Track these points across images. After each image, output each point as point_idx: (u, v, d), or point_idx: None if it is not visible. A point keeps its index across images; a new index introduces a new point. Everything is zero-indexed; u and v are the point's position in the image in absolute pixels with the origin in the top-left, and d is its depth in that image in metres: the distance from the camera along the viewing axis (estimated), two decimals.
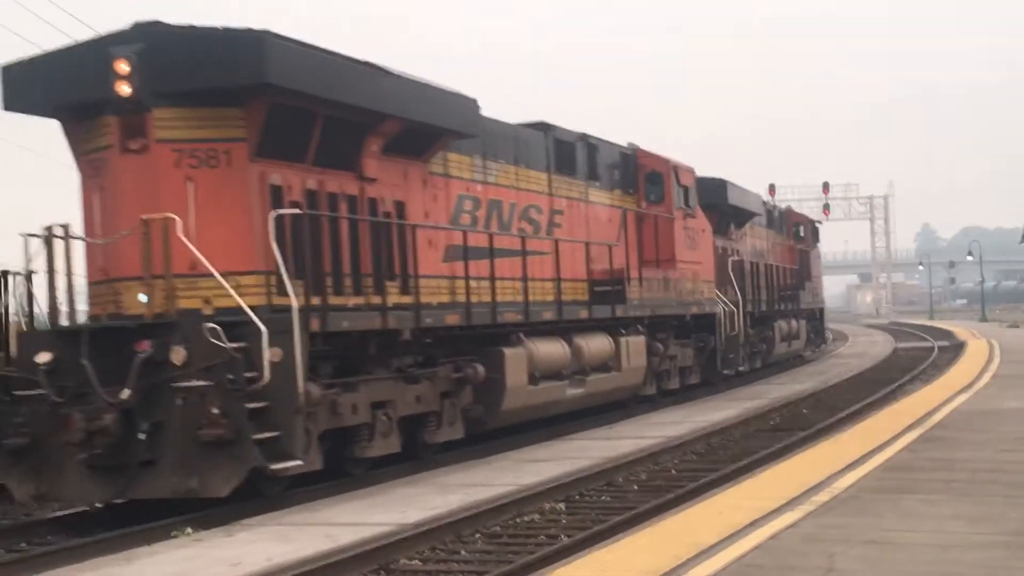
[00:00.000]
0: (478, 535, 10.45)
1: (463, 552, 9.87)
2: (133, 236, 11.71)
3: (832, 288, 48.59)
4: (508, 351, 16.03)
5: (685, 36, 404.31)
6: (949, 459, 11.82)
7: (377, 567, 9.16)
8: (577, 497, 12.36)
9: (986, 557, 7.38)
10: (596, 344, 18.92)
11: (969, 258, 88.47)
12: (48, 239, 12.11)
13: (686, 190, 23.47)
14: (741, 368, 27.63)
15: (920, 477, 10.76)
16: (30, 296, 14.43)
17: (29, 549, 10.84)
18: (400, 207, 14.52)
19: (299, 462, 11.68)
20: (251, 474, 11.40)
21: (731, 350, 26.44)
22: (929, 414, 16.06)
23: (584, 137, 20.17)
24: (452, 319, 14.90)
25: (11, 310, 13.60)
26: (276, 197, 12.40)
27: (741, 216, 29.62)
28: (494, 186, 17.01)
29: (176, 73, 11.86)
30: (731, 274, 27.24)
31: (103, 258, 12.25)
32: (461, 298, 15.34)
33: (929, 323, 68.83)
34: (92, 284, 12.58)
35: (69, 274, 12.22)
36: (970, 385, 21.00)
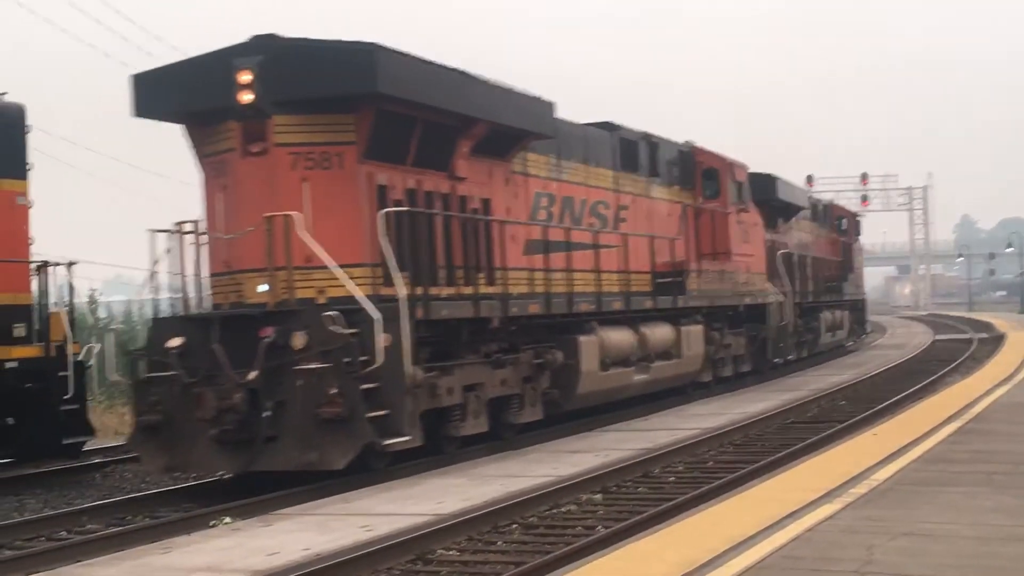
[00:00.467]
0: (515, 525, 10.43)
1: (500, 543, 9.86)
2: (255, 231, 12.84)
3: (870, 280, 49.11)
4: (583, 338, 17.11)
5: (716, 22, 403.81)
6: (989, 451, 11.77)
7: (414, 557, 9.19)
8: (614, 488, 12.32)
9: None
10: (660, 332, 19.98)
11: (1009, 249, 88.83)
12: (179, 234, 13.25)
13: (740, 186, 24.48)
14: (790, 357, 28.65)
15: (960, 469, 10.69)
16: (71, 287, 15.70)
17: (70, 537, 11.25)
18: (486, 204, 15.61)
19: (407, 438, 12.81)
20: (363, 449, 12.52)
21: (781, 339, 27.45)
22: (969, 406, 16.15)
23: (646, 136, 21.21)
24: (534, 308, 16.00)
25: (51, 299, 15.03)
26: (381, 196, 13.52)
27: (789, 210, 30.62)
28: (567, 183, 18.08)
29: (293, 82, 12.97)
30: (780, 266, 28.22)
31: (226, 251, 13.38)
32: (539, 289, 16.43)
33: (968, 315, 68.91)
34: (214, 275, 13.71)
35: (197, 266, 13.38)
36: (1010, 377, 21.11)
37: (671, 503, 10.88)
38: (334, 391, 12.30)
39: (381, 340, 12.34)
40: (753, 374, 25.92)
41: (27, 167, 15.41)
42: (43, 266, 15.55)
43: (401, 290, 12.78)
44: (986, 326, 49.47)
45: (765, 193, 27.62)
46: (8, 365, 14.57)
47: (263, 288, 12.97)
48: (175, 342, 12.86)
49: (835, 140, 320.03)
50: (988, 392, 18.39)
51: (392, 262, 12.94)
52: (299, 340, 12.46)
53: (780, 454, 13.90)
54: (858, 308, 42.21)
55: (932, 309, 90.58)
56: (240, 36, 13.45)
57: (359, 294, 12.52)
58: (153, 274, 13.92)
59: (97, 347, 16.54)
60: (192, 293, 13.55)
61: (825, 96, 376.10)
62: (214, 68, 13.20)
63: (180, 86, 13.49)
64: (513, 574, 8.55)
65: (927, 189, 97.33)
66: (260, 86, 12.92)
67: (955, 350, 36.18)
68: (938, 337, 45.59)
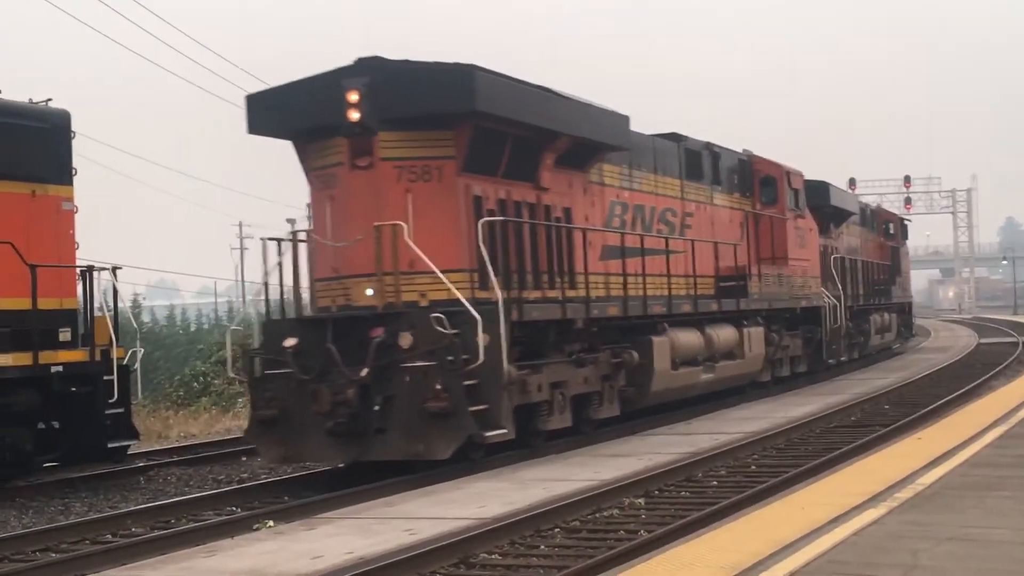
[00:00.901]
0: (557, 529, 10.45)
1: (542, 547, 9.86)
2: (364, 239, 13.88)
3: (914, 283, 49.50)
4: (656, 339, 18.08)
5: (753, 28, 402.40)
6: None
7: (457, 561, 9.19)
8: (656, 492, 12.31)
9: None
10: (724, 334, 20.91)
11: None
12: (293, 242, 14.32)
13: (796, 193, 25.38)
14: (843, 358, 29.51)
15: (1006, 474, 10.61)
16: (115, 291, 15.98)
17: (115, 540, 11.38)
18: (567, 212, 16.60)
19: (505, 430, 13.83)
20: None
21: (834, 341, 28.32)
22: (1014, 410, 16.15)
23: (709, 146, 22.15)
24: (612, 310, 17.00)
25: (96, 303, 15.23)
26: (477, 206, 14.54)
27: (840, 216, 31.48)
28: (638, 192, 19.05)
29: (398, 101, 14.01)
30: (833, 270, 29.06)
31: (334, 258, 14.43)
32: (614, 292, 17.41)
33: (1013, 318, 69.00)
34: (320, 280, 14.76)
35: (311, 272, 14.48)
36: None
37: (714, 507, 10.83)
38: (439, 387, 13.32)
39: (482, 340, 13.34)
40: (808, 374, 26.79)
41: (72, 173, 15.54)
42: (88, 271, 15.68)
43: (499, 294, 13.79)
44: None
45: (818, 199, 28.49)
46: (54, 369, 14.64)
47: (370, 292, 14.01)
48: (290, 342, 13.92)
49: (878, 140, 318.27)
50: None
51: (490, 268, 13.94)
52: (406, 340, 13.49)
53: (824, 458, 13.84)
54: (905, 311, 42.94)
55: (976, 312, 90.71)
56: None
57: (462, 297, 13.54)
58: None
59: (141, 351, 16.60)
60: (287, 297, 14.57)
61: (869, 94, 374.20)
62: (323, 88, 14.25)
63: (291, 105, 14.57)
64: None
65: (971, 192, 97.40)
66: (367, 105, 13.96)
67: (1000, 354, 36.14)
68: (982, 341, 45.67)
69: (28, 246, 14.30)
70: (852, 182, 76.86)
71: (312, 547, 9.38)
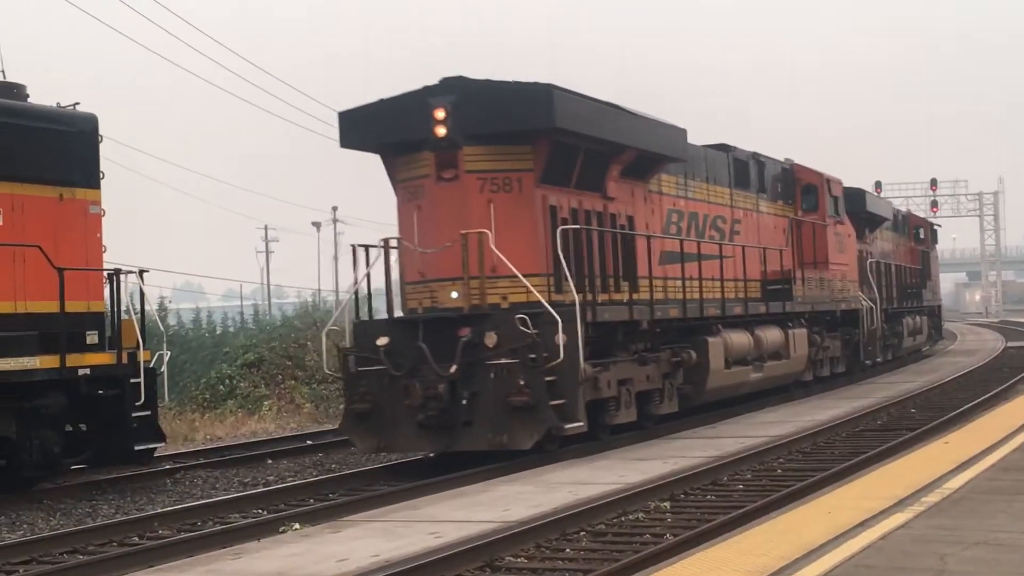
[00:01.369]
0: (583, 533, 10.43)
1: (568, 550, 9.86)
2: (452, 246, 15.00)
3: (941, 286, 49.79)
4: (711, 339, 19.17)
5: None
6: None
7: (483, 564, 9.18)
8: (682, 496, 12.30)
9: None
10: (771, 335, 21.98)
11: None
12: (385, 249, 15.47)
13: (836, 200, 26.45)
14: (878, 359, 30.55)
15: None
16: (142, 294, 16.23)
17: (142, 542, 11.39)
18: (630, 220, 17.70)
19: (581, 423, 14.93)
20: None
21: (871, 342, 29.39)
22: None
23: (755, 155, 23.25)
24: (673, 312, 18.10)
25: (123, 306, 15.23)
26: (552, 215, 15.65)
27: (874, 221, 32.53)
28: (692, 200, 20.15)
29: (481, 118, 15.13)
30: (868, 274, 30.10)
31: (422, 263, 15.56)
32: (672, 295, 18.51)
33: None
34: (408, 284, 15.89)
35: (404, 275, 15.58)
36: None
37: (741, 511, 10.81)
38: (522, 383, 14.43)
39: (561, 339, 14.44)
40: (846, 374, 27.83)
41: (99, 176, 15.51)
42: (115, 274, 15.68)
43: (575, 296, 14.89)
44: None
45: (855, 205, 29.54)
46: (81, 372, 14.60)
47: (455, 295, 15.13)
48: (383, 340, 15.05)
49: (904, 143, 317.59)
50: None
51: (567, 272, 15.05)
52: (491, 339, 14.60)
53: (850, 462, 13.84)
54: (935, 314, 43.92)
55: (1003, 316, 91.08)
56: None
57: (543, 300, 14.65)
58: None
59: (168, 354, 16.53)
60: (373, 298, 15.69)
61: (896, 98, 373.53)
62: (411, 106, 15.39)
63: (380, 122, 15.70)
64: None
65: (998, 195, 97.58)
66: (452, 121, 15.10)
67: None
68: (1010, 344, 45.68)
69: (56, 250, 14.36)
70: (878, 185, 77.36)
71: (338, 550, 9.41)
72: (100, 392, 14.99)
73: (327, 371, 16.39)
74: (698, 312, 18.92)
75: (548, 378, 14.62)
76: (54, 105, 15.39)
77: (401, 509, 11.48)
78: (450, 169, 15.33)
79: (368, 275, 16.05)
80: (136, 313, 15.79)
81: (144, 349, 15.39)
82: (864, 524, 8.58)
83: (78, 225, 15.04)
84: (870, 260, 30.83)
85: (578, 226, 15.88)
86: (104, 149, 15.67)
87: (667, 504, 11.76)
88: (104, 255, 15.50)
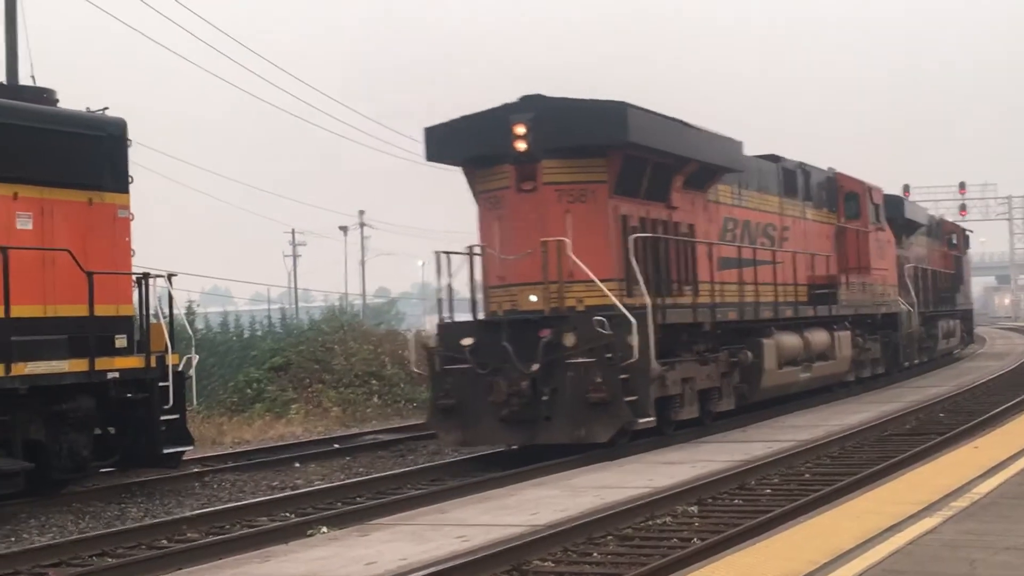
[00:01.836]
0: (610, 537, 10.39)
1: (595, 554, 9.84)
2: (532, 253, 16.11)
3: None
4: (765, 341, 20.24)
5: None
6: None
7: (510, 568, 9.17)
8: (710, 500, 12.28)
9: None
10: (819, 337, 23.03)
11: None
12: (470, 255, 16.60)
13: (877, 207, 27.50)
14: (915, 361, 31.57)
15: None
16: (171, 298, 16.23)
17: (170, 546, 11.46)
18: (691, 228, 18.78)
19: (652, 419, 16.03)
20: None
21: (909, 345, 30.43)
22: None
23: (801, 165, 24.31)
24: (732, 315, 19.19)
25: (151, 309, 15.29)
26: (624, 224, 16.75)
27: (911, 227, 33.56)
28: (745, 209, 21.22)
29: (559, 133, 16.24)
30: (906, 279, 31.11)
31: (502, 269, 16.68)
32: (729, 299, 19.58)
33: None
34: (490, 288, 17.01)
35: (485, 280, 16.72)
36: None
37: (768, 515, 10.80)
38: (599, 380, 15.52)
39: (636, 339, 15.52)
40: (885, 375, 28.84)
41: (128, 180, 15.60)
42: (144, 277, 15.79)
43: (647, 300, 15.98)
44: None
45: (894, 213, 30.58)
46: (110, 375, 14.67)
47: (533, 298, 16.24)
48: (468, 340, 16.17)
49: (931, 146, 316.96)
50: None
51: (640, 277, 16.14)
52: (570, 339, 15.71)
53: (878, 467, 13.74)
54: (967, 317, 44.86)
55: None
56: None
57: (618, 303, 15.74)
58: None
59: (196, 358, 16.67)
60: (447, 301, 16.87)
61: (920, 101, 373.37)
62: (492, 122, 16.52)
63: (463, 137, 16.85)
64: None
65: None
66: (532, 136, 16.21)
67: None
68: None
69: (85, 253, 14.45)
70: (906, 188, 77.75)
71: (366, 553, 9.45)
72: (129, 396, 15.07)
73: (414, 369, 17.53)
74: (754, 315, 20.00)
75: (622, 376, 15.70)
76: (83, 110, 15.60)
77: (428, 512, 11.59)
78: (529, 181, 16.43)
79: (450, 281, 17.15)
80: (164, 317, 15.86)
81: (172, 353, 15.56)
82: (893, 529, 8.61)
83: (107, 229, 15.12)
84: (907, 265, 31.84)
85: (649, 234, 16.95)
86: (132, 153, 15.79)
87: (695, 508, 11.77)
88: (133, 259, 15.63)
